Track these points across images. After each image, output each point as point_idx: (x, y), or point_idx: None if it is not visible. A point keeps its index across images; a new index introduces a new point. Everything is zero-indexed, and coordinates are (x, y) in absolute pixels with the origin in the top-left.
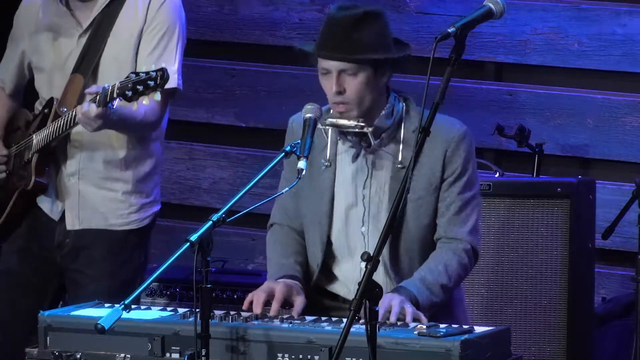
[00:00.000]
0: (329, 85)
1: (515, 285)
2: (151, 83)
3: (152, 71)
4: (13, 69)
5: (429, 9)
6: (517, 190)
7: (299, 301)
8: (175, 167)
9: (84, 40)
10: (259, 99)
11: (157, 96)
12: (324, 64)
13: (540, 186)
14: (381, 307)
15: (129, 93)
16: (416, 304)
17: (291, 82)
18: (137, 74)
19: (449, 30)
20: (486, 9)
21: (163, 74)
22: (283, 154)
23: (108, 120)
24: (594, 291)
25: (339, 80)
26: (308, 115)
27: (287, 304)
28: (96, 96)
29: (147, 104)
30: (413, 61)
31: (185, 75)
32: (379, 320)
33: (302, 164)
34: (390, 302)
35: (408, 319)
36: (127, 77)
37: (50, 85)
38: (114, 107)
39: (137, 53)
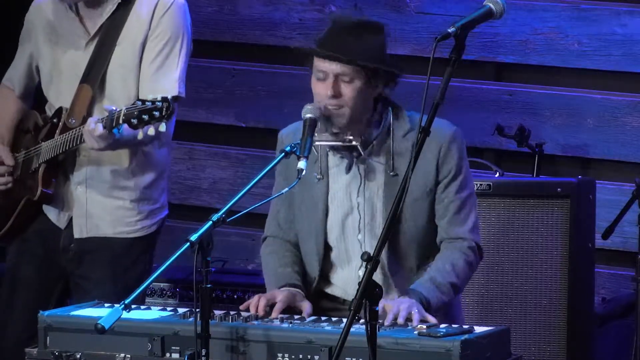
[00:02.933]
0: (323, 89)
1: (515, 285)
2: (156, 114)
3: (158, 101)
4: (22, 70)
5: (429, 9)
6: (517, 190)
7: (307, 305)
8: (175, 167)
9: (91, 48)
10: (259, 99)
11: (162, 127)
12: (321, 66)
13: (540, 186)
14: (390, 313)
15: (135, 121)
16: (427, 305)
17: (291, 82)
18: (143, 101)
19: (449, 30)
20: (486, 9)
21: (169, 104)
22: (283, 154)
23: (112, 141)
24: (594, 291)
25: (336, 84)
26: (308, 115)
27: (291, 311)
28: (105, 118)
29: (152, 133)
30: (413, 61)
31: (186, 76)
32: (386, 323)
33: (302, 164)
34: (399, 307)
35: (414, 324)
36: (134, 104)
37: (54, 89)
38: (119, 132)
39: (141, 60)
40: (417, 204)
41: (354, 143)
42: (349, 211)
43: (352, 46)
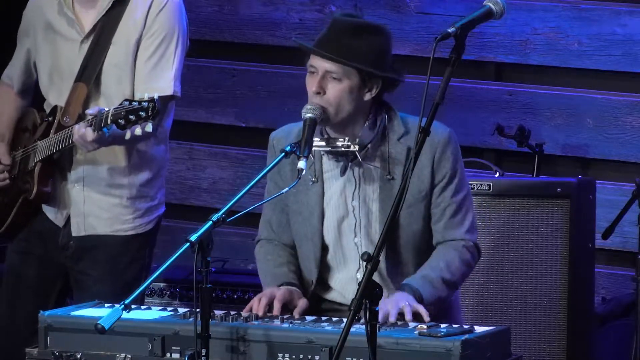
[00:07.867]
0: (311, 84)
1: (515, 285)
2: (142, 114)
3: (144, 101)
4: (20, 66)
5: (429, 9)
6: (517, 190)
7: (302, 302)
8: (175, 167)
9: (86, 46)
10: (259, 99)
11: (149, 127)
12: (312, 61)
13: (540, 186)
14: (381, 311)
15: (122, 122)
16: (420, 298)
17: (291, 82)
18: (130, 101)
19: (449, 30)
20: (486, 9)
21: (155, 105)
22: (283, 154)
23: (103, 142)
24: (594, 291)
25: (322, 81)
26: (308, 115)
27: (288, 309)
28: (93, 119)
29: (139, 133)
30: (413, 61)
31: (185, 75)
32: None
33: (302, 163)
34: (388, 307)
35: (407, 317)
36: (121, 104)
37: (51, 87)
38: (109, 132)
39: (136, 59)
40: (411, 209)
41: (352, 149)
42: (344, 215)
43: (346, 46)
